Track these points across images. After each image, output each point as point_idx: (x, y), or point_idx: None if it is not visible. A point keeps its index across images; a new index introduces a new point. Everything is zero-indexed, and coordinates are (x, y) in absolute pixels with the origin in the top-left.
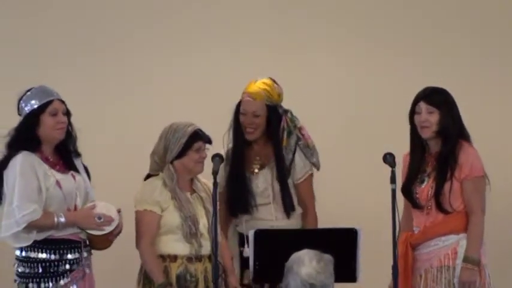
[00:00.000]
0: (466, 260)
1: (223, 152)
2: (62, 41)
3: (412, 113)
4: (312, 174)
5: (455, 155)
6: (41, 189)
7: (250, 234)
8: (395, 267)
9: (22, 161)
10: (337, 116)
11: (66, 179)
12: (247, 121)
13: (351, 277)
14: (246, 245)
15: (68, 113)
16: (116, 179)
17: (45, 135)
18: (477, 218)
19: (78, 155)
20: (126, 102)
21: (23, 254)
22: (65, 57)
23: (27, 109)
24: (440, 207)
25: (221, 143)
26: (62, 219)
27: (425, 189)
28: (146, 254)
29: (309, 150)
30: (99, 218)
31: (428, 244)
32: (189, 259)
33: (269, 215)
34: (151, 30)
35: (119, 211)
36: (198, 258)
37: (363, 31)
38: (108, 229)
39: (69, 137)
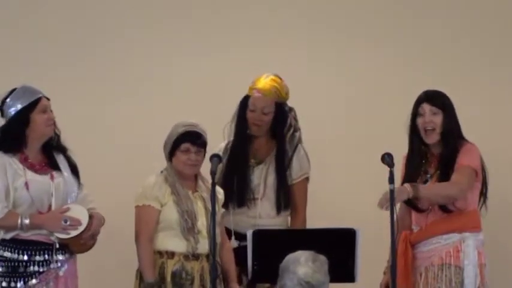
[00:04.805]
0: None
1: (223, 144)
2: (62, 41)
3: (414, 115)
4: (307, 178)
5: (456, 155)
6: (9, 189)
7: (249, 234)
8: (393, 267)
9: None
10: (336, 116)
11: (39, 180)
12: (256, 117)
13: (350, 277)
14: (233, 237)
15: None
16: (115, 179)
17: (36, 134)
18: (455, 185)
19: (63, 150)
20: (126, 102)
21: None
22: (64, 57)
23: (13, 110)
24: (443, 207)
25: (221, 143)
26: (26, 221)
27: None
28: (142, 250)
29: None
30: (66, 221)
31: (430, 242)
32: (186, 257)
33: (253, 212)
34: (151, 30)
35: (90, 217)
36: (195, 256)
37: (363, 31)
38: (73, 233)
39: (54, 134)
